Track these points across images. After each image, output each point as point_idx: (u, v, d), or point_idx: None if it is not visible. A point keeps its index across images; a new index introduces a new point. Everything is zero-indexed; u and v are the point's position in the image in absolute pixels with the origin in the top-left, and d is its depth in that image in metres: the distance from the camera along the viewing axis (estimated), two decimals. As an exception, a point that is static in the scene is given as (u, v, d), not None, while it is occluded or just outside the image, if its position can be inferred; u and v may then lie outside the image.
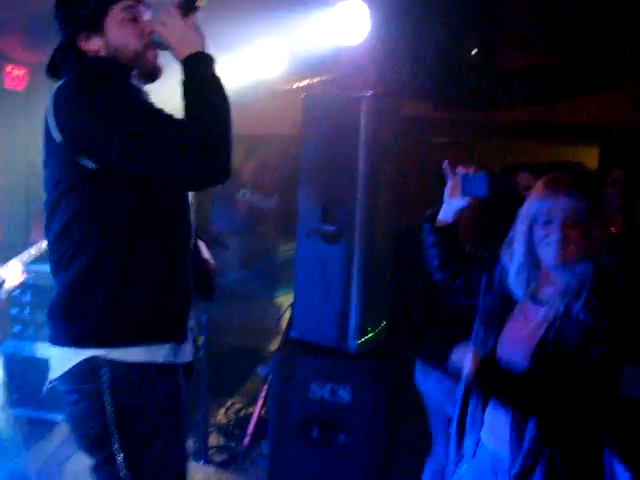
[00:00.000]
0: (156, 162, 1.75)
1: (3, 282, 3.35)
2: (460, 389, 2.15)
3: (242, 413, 4.45)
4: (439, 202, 2.29)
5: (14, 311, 4.22)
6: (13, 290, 3.48)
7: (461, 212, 2.26)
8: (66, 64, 1.94)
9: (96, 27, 1.92)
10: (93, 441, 1.91)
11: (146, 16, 1.98)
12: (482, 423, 2.08)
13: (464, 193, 2.18)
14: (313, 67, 3.38)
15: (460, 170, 2.20)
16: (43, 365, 4.03)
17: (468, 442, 2.13)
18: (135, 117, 1.77)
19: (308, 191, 3.30)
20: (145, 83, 2.02)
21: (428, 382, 3.04)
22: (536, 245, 1.96)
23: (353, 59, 3.10)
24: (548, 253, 1.92)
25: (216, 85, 1.82)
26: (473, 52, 3.84)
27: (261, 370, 3.89)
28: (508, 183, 3.10)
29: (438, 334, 3.00)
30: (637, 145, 5.41)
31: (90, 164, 1.80)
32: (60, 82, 1.90)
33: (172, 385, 1.96)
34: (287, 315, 3.93)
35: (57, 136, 1.82)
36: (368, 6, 2.98)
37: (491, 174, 2.09)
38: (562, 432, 1.91)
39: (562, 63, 5.19)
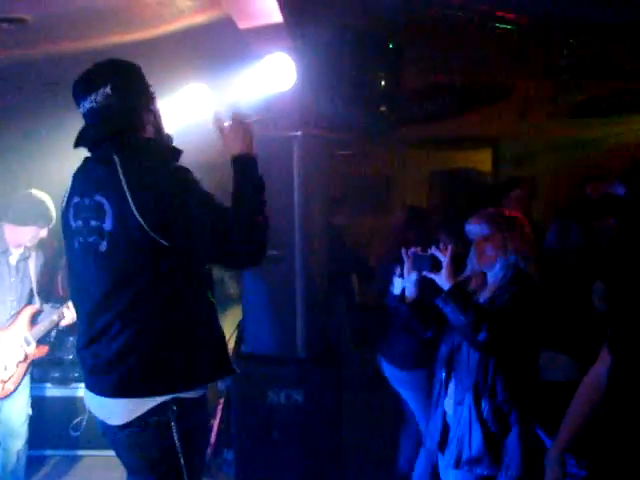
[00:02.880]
0: (218, 247, 2.07)
1: (61, 319, 3.67)
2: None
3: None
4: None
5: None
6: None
7: (419, 285, 2.76)
8: (115, 142, 2.17)
9: (151, 103, 2.27)
10: (147, 464, 2.18)
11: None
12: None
13: (414, 268, 2.71)
14: (245, 111, 3.78)
15: (411, 251, 2.73)
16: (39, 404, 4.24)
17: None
18: (207, 207, 2.07)
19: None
20: None
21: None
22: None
23: (282, 104, 3.52)
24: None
25: (259, 184, 2.21)
26: (382, 82, 4.34)
27: (220, 385, 4.23)
28: None
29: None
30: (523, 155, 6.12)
31: (164, 242, 2.04)
32: (122, 158, 2.11)
33: (205, 405, 2.31)
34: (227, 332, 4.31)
35: (136, 215, 2.02)
36: (292, 58, 3.40)
37: (433, 256, 2.64)
38: None
39: (455, 83, 5.80)
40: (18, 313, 3.64)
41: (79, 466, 4.50)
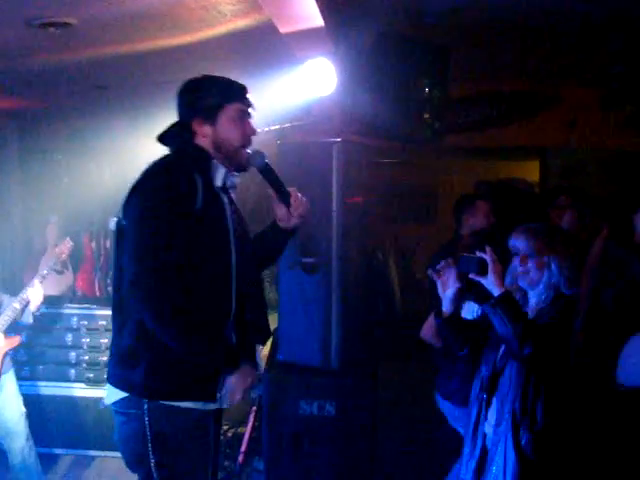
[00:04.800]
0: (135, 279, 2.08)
1: (28, 303, 3.69)
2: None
3: (231, 433, 4.74)
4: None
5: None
6: (37, 310, 3.79)
7: (456, 299, 2.66)
8: (172, 140, 2.32)
9: (210, 118, 2.29)
10: (135, 458, 2.25)
11: (252, 119, 2.37)
12: None
13: (460, 270, 2.61)
14: (285, 116, 3.76)
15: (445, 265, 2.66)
16: (42, 402, 4.30)
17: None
18: (159, 240, 2.09)
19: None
20: (233, 172, 2.37)
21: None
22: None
23: (322, 109, 3.47)
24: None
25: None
26: (426, 90, 4.25)
27: (252, 392, 4.19)
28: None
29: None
30: (574, 164, 5.94)
31: None
32: (159, 158, 2.26)
33: (200, 416, 2.28)
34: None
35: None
36: (333, 63, 3.35)
37: (481, 259, 2.53)
38: None
39: (502, 90, 5.68)
40: None
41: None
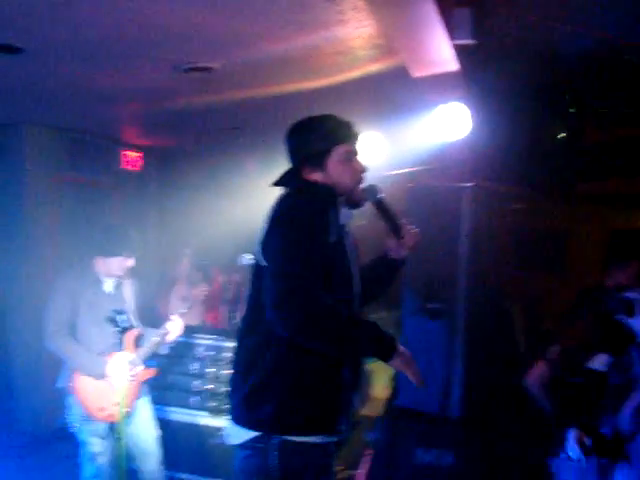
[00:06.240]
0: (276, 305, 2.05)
1: (167, 334, 3.86)
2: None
3: (343, 476, 4.68)
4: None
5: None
6: (173, 343, 3.98)
7: None
8: (289, 182, 2.30)
9: (319, 164, 2.28)
10: None
11: (359, 157, 2.35)
12: None
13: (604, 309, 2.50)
14: (416, 159, 3.77)
15: None
16: (168, 427, 4.42)
17: None
18: (301, 262, 2.06)
19: (412, 273, 3.59)
20: (350, 209, 2.36)
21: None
22: None
23: (454, 153, 3.44)
24: None
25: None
26: (560, 136, 4.13)
27: (368, 436, 4.14)
28: None
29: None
30: None
31: None
32: (283, 195, 2.26)
33: (324, 452, 2.27)
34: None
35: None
36: (467, 107, 3.32)
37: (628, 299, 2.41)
38: None
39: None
40: (121, 338, 3.80)
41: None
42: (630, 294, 2.38)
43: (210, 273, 5.98)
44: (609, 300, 2.42)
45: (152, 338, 3.87)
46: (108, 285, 3.80)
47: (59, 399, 3.77)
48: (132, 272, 3.90)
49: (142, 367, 3.82)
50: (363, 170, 2.34)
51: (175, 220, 6.24)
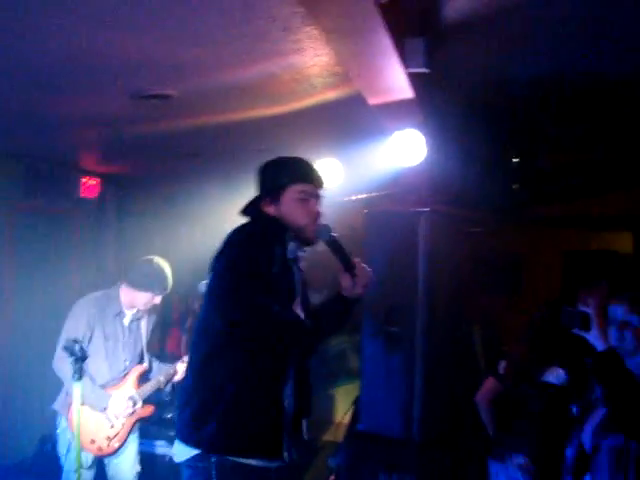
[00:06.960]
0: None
1: (175, 374, 3.82)
2: None
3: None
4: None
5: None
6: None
7: None
8: (249, 212, 2.46)
9: (275, 198, 2.41)
10: None
11: (317, 202, 2.45)
12: None
13: (562, 323, 2.49)
14: (372, 185, 3.81)
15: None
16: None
17: None
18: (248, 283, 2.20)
19: (371, 297, 3.61)
20: (300, 247, 2.44)
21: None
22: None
23: (410, 178, 3.49)
24: None
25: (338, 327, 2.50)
26: (514, 160, 4.23)
27: (330, 461, 4.13)
28: None
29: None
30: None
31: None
32: (241, 224, 2.38)
33: (262, 474, 2.30)
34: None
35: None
36: (422, 134, 3.39)
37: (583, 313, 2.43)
38: None
39: (594, 160, 5.55)
40: (127, 372, 3.76)
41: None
42: (584, 307, 2.41)
43: (170, 301, 5.92)
44: (564, 314, 2.45)
45: (159, 377, 3.82)
46: (127, 318, 3.76)
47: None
48: (153, 309, 3.87)
49: (141, 405, 3.77)
50: (317, 213, 2.43)
51: (134, 247, 6.16)
